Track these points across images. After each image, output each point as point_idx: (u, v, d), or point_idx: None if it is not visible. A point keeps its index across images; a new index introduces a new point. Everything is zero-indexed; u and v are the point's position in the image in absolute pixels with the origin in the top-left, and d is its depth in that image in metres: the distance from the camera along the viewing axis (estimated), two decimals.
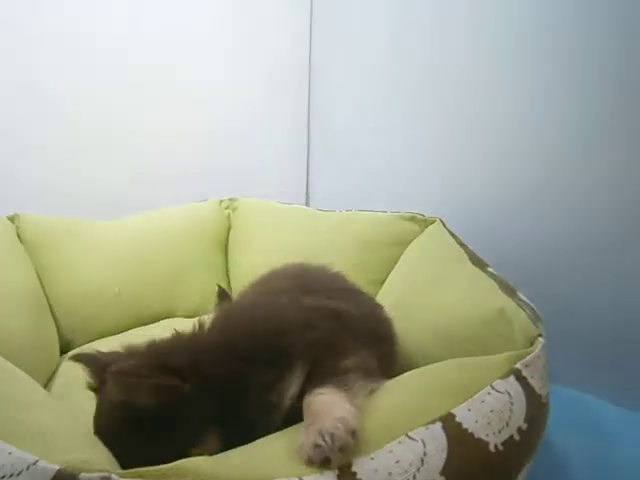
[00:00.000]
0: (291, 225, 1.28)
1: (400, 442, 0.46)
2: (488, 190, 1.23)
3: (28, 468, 0.37)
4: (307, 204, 1.76)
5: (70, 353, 0.65)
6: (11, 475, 0.37)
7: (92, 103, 1.42)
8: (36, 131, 1.35)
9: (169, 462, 0.45)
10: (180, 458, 0.47)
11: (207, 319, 0.66)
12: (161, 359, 0.55)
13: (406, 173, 1.44)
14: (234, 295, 1.30)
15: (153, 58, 1.50)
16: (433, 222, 1.10)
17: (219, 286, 0.87)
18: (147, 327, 1.17)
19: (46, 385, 0.93)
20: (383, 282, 1.07)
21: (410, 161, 1.44)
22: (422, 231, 1.10)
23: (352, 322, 0.66)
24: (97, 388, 0.61)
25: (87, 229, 1.19)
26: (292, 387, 0.55)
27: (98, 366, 0.60)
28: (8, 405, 0.48)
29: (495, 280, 0.81)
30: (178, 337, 0.62)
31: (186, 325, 1.17)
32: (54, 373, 0.97)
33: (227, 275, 1.35)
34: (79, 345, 1.09)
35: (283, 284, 0.74)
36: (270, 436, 0.50)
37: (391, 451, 0.45)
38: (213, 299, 1.27)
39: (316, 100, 1.78)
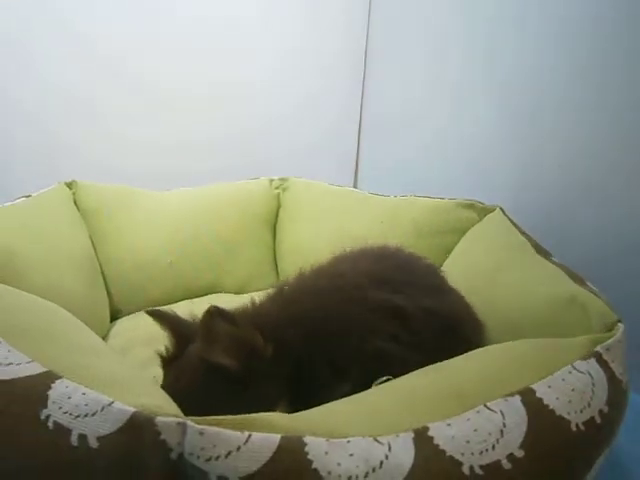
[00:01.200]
0: (342, 208, 1.28)
1: (478, 412, 0.45)
2: (553, 176, 1.19)
3: (103, 409, 0.37)
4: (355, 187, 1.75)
5: (146, 310, 0.66)
6: (85, 415, 0.37)
7: (155, 71, 1.47)
8: (92, 98, 1.41)
9: None
10: None
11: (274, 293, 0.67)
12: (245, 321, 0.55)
13: (462, 160, 1.42)
14: (281, 272, 1.31)
15: (207, 29, 1.53)
16: (493, 210, 1.07)
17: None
18: (194, 300, 1.19)
19: None
20: None
21: (467, 148, 1.41)
22: (480, 219, 1.08)
23: (418, 324, 0.62)
24: (170, 355, 0.62)
25: (142, 199, 1.22)
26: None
27: (178, 327, 0.62)
28: (77, 352, 0.49)
29: (562, 269, 0.79)
30: (249, 307, 0.63)
31: (232, 300, 1.20)
32: (105, 335, 1.00)
33: (274, 254, 1.35)
34: (127, 314, 1.12)
35: (364, 266, 0.69)
36: (344, 399, 0.50)
37: (469, 419, 0.44)
38: (258, 277, 1.30)
39: (371, 82, 1.77)
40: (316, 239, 1.26)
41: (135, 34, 1.44)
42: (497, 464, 0.41)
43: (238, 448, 0.36)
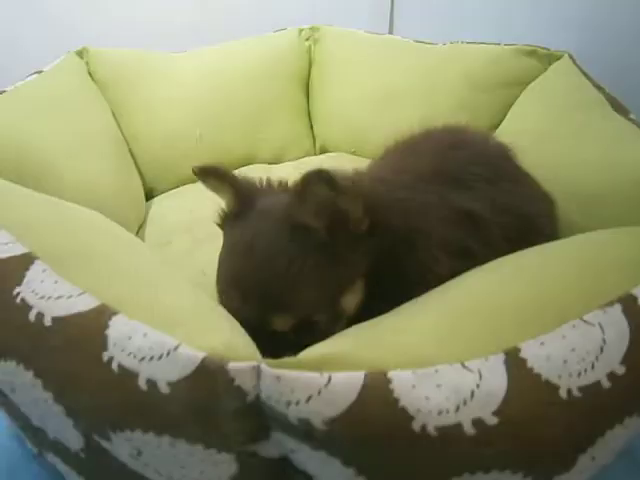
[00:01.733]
0: (382, 59, 1.14)
1: (574, 326, 0.40)
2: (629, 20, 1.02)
3: (169, 353, 0.34)
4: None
5: (196, 167, 0.60)
6: (151, 358, 0.35)
7: None
8: None
9: (317, 303, 0.51)
10: (328, 302, 0.52)
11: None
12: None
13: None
14: (317, 140, 1.23)
15: None
16: (560, 58, 0.94)
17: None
18: None
19: (138, 232, 0.93)
20: (496, 128, 0.96)
21: None
22: (545, 69, 0.95)
23: (491, 230, 0.58)
24: (233, 212, 0.58)
25: (162, 62, 1.11)
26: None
27: (239, 184, 0.57)
28: (129, 276, 0.45)
29: None
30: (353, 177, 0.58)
31: (269, 172, 1.15)
32: (144, 221, 0.97)
33: (308, 116, 1.26)
34: (161, 192, 1.08)
35: (427, 164, 0.62)
36: (416, 309, 0.46)
37: (564, 336, 0.40)
38: (294, 143, 1.22)
39: None
40: (355, 97, 1.16)
41: None
42: (596, 385, 0.38)
43: (319, 392, 0.33)
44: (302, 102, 1.24)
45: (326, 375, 0.34)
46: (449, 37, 1.12)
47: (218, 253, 0.58)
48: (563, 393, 0.37)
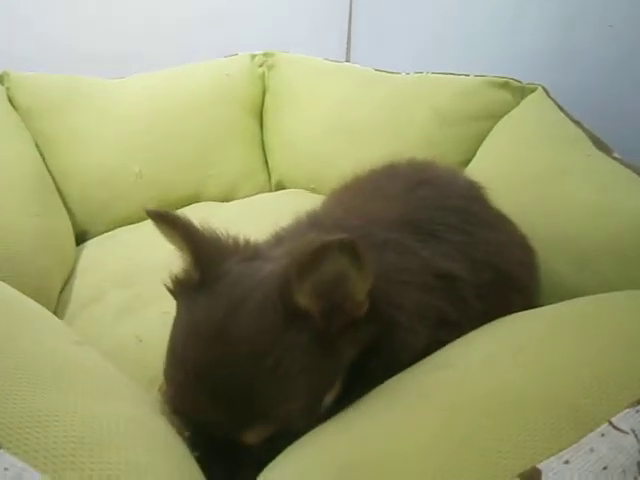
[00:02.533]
0: (344, 88, 1.07)
1: (603, 435, 0.32)
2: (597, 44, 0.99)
3: None
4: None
5: (148, 210, 0.46)
6: None
7: None
8: None
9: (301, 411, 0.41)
10: (312, 407, 0.42)
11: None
12: None
13: (481, 27, 1.18)
14: (272, 172, 1.13)
15: None
16: (533, 90, 0.89)
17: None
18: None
19: (65, 286, 0.80)
20: (466, 164, 0.89)
21: (489, 9, 1.17)
22: (517, 102, 0.90)
23: (466, 290, 0.51)
24: (193, 279, 0.46)
25: (94, 90, 1.00)
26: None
27: (200, 244, 0.45)
28: (31, 388, 0.33)
29: (631, 169, 0.64)
30: None
31: (219, 210, 1.05)
32: (74, 269, 0.84)
33: (262, 148, 1.16)
34: (96, 235, 0.96)
35: (393, 209, 0.55)
36: (398, 414, 0.37)
37: (592, 450, 0.31)
38: (247, 178, 1.12)
39: None
40: (314, 128, 1.08)
41: None
42: None
43: None
44: (255, 133, 1.15)
45: None
46: (409, 66, 1.06)
47: (160, 315, 0.47)
48: None
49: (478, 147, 0.90)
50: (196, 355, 0.41)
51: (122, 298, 0.74)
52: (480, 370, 0.39)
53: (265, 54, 1.16)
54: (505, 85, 0.91)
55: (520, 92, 0.90)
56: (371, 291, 0.43)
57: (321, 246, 0.38)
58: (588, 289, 0.53)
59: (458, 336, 0.47)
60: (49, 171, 0.92)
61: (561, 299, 0.48)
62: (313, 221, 0.55)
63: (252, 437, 0.40)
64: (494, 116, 0.90)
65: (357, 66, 1.11)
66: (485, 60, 1.11)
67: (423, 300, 0.48)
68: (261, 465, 0.40)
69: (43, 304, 0.57)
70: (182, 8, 1.32)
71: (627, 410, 0.33)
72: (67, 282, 0.82)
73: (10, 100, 0.92)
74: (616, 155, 0.70)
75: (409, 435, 0.34)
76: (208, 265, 0.45)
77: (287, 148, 1.12)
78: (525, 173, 0.72)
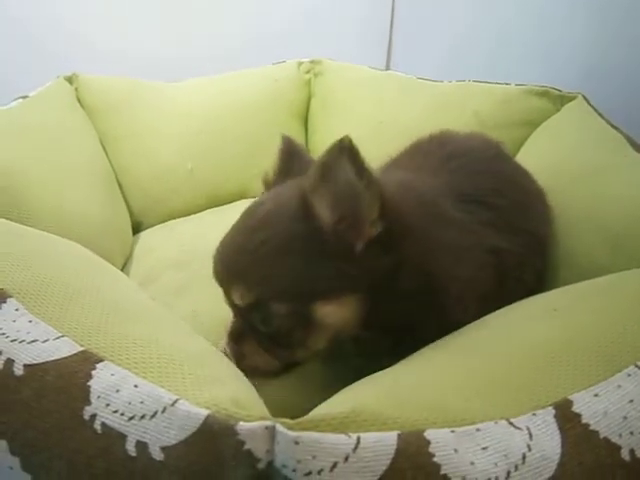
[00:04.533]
0: (387, 96, 1.13)
1: (629, 375, 0.36)
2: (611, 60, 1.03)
3: (164, 410, 0.29)
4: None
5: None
6: (142, 417, 0.29)
7: None
8: None
9: (280, 290, 0.48)
10: (295, 298, 0.48)
11: None
12: None
13: (521, 36, 1.23)
14: None
15: None
16: (573, 99, 0.93)
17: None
18: (221, 208, 1.10)
19: (123, 270, 0.88)
20: None
21: (528, 20, 1.22)
22: (557, 110, 0.94)
23: (508, 262, 0.56)
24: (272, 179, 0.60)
25: (155, 92, 1.09)
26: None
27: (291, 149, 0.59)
28: (115, 315, 0.40)
29: None
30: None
31: None
32: (130, 256, 0.92)
33: (307, 150, 1.23)
34: (149, 226, 1.04)
35: (437, 179, 0.60)
36: (441, 356, 0.42)
37: (620, 386, 0.36)
38: None
39: None
40: (356, 133, 1.12)
41: None
42: None
43: (346, 458, 0.28)
44: (301, 135, 1.21)
45: (354, 437, 0.29)
46: (446, 75, 1.11)
47: (214, 294, 0.54)
48: (625, 454, 0.33)
49: (517, 151, 0.94)
50: (227, 233, 0.53)
51: (176, 279, 0.81)
52: (517, 326, 0.44)
53: (312, 61, 1.23)
54: (545, 94, 0.95)
55: (560, 100, 0.94)
56: (427, 263, 0.49)
57: (328, 149, 0.44)
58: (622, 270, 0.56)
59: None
60: (111, 165, 1.00)
61: None
62: (397, 186, 0.56)
63: (238, 296, 0.50)
64: (534, 123, 0.94)
65: (399, 74, 1.17)
66: (525, 68, 1.15)
67: (474, 275, 0.52)
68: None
69: None
70: (235, 21, 1.41)
71: None
72: (124, 267, 0.89)
73: (78, 99, 1.01)
74: None
75: (452, 372, 0.38)
76: (278, 176, 0.59)
77: None
78: (563, 170, 0.76)
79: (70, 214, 0.72)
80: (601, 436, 0.33)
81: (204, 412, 0.29)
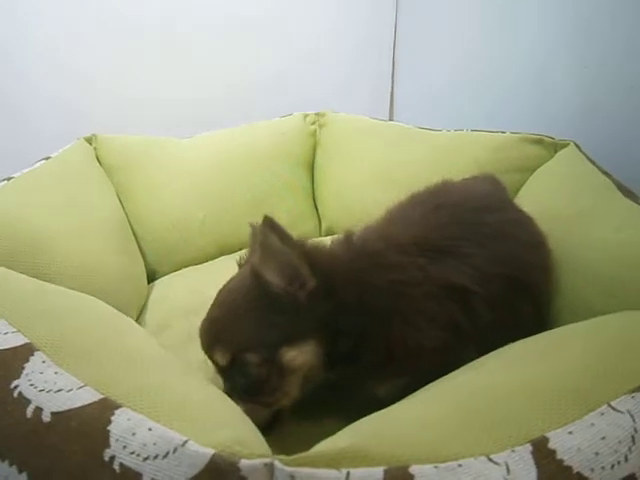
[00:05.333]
0: (389, 145, 1.19)
1: (602, 414, 0.39)
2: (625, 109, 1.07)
3: (175, 450, 0.33)
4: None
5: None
6: (155, 457, 0.33)
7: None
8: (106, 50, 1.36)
9: (251, 343, 0.57)
10: (264, 347, 0.57)
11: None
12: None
13: (514, 87, 1.29)
14: (322, 220, 1.26)
15: None
16: (565, 146, 0.98)
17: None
18: (232, 256, 1.14)
19: (138, 318, 0.92)
20: None
21: (520, 72, 1.28)
22: (551, 156, 0.99)
23: (476, 301, 0.60)
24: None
25: (167, 148, 1.16)
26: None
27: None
28: (131, 365, 0.44)
29: None
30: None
31: None
32: (145, 304, 0.97)
33: (313, 198, 1.29)
34: (163, 275, 1.09)
35: (408, 231, 0.66)
36: (430, 397, 0.45)
37: (593, 424, 0.39)
38: (298, 225, 1.24)
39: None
40: (360, 180, 1.19)
41: None
42: (631, 478, 0.36)
43: None
44: (307, 184, 1.27)
45: (344, 471, 0.32)
46: (448, 125, 1.17)
47: None
48: None
49: (514, 196, 0.98)
50: (206, 316, 0.64)
51: (187, 326, 0.85)
52: (502, 368, 0.47)
53: (317, 114, 1.31)
54: (539, 141, 1.01)
55: (553, 147, 0.99)
56: (362, 303, 0.57)
57: (259, 233, 0.55)
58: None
59: (471, 345, 0.56)
60: (127, 218, 1.06)
61: None
62: (342, 242, 0.66)
63: (219, 359, 0.59)
64: (529, 169, 0.99)
65: (401, 124, 1.23)
66: (519, 117, 1.21)
67: (428, 306, 0.58)
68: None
69: None
70: (243, 75, 1.51)
71: (624, 396, 0.40)
72: (140, 314, 0.94)
73: (97, 158, 1.08)
74: None
75: (437, 410, 0.42)
76: (249, 257, 0.69)
77: (335, 198, 1.24)
78: (554, 214, 0.80)
79: (89, 266, 0.77)
80: (574, 471, 0.36)
81: (210, 451, 0.33)
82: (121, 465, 0.34)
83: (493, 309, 0.59)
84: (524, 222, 0.72)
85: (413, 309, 0.57)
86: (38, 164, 0.93)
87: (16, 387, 0.39)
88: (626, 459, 0.37)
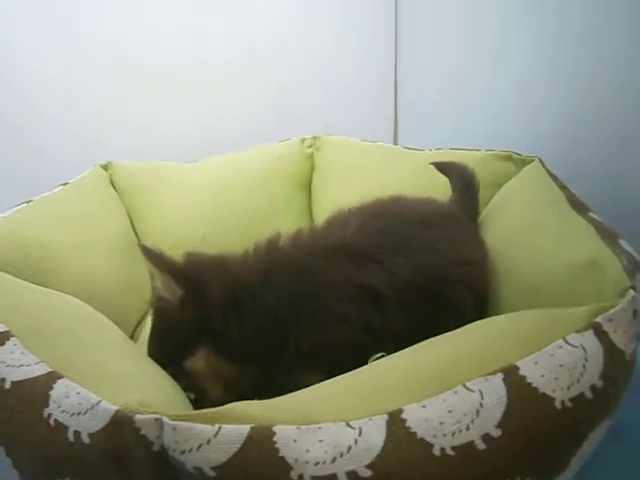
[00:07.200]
0: (376, 164, 1.28)
1: (456, 392, 0.47)
2: (586, 127, 1.13)
3: (92, 407, 0.43)
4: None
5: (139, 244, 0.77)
6: (79, 413, 0.43)
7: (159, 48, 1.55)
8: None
9: (175, 368, 0.63)
10: (174, 363, 0.63)
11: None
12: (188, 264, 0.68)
13: (506, 108, 1.36)
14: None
15: None
16: (531, 162, 1.04)
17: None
18: None
19: (138, 325, 1.05)
20: None
21: (514, 91, 1.35)
22: (519, 171, 1.05)
23: (389, 305, 0.64)
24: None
25: (174, 173, 1.29)
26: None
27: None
28: (88, 349, 0.55)
29: (594, 226, 0.76)
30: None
31: None
32: (145, 315, 1.09)
33: (311, 218, 1.39)
34: None
35: (338, 236, 0.71)
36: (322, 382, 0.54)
37: (445, 400, 0.46)
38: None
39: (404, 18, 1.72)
40: (352, 198, 1.27)
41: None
42: (470, 445, 0.44)
43: (208, 441, 0.41)
44: (304, 204, 1.38)
45: (217, 426, 0.42)
46: (449, 143, 1.25)
47: None
48: (437, 451, 0.43)
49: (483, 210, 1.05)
50: None
51: None
52: (392, 357, 0.55)
53: (314, 137, 1.42)
54: (508, 158, 1.07)
55: (521, 163, 1.05)
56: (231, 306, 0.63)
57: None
58: None
59: (387, 343, 0.61)
60: (137, 236, 1.20)
61: None
62: (271, 245, 0.71)
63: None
64: (499, 184, 1.05)
65: (389, 145, 1.33)
66: (509, 138, 1.27)
67: (340, 307, 0.63)
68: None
69: None
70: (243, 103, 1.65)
71: (479, 378, 0.48)
72: (142, 320, 1.06)
73: (112, 183, 1.23)
74: (591, 215, 0.80)
75: (319, 388, 0.51)
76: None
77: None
78: (510, 230, 0.86)
79: (93, 278, 0.89)
80: (418, 436, 0.43)
81: (114, 408, 0.43)
82: (55, 420, 0.44)
83: (408, 316, 0.64)
84: (461, 242, 0.75)
85: (323, 309, 0.63)
86: (56, 189, 1.07)
87: None
88: (467, 428, 0.44)
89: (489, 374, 0.48)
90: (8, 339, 0.53)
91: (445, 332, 0.62)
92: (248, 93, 1.64)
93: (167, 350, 0.65)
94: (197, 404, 0.68)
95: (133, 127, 1.56)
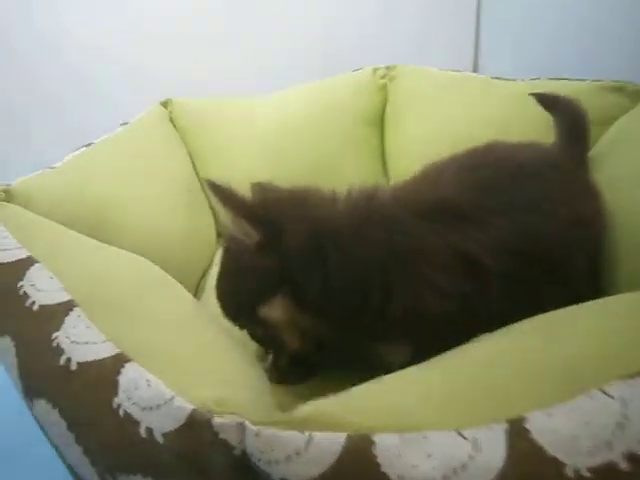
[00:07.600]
0: (460, 96, 1.14)
1: (591, 398, 0.39)
2: None
3: (165, 404, 0.38)
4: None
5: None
6: (150, 408, 0.38)
7: None
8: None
9: (247, 315, 0.61)
10: (255, 314, 0.60)
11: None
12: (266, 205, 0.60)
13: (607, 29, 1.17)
14: (391, 180, 1.25)
15: None
16: None
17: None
18: None
19: (206, 271, 1.00)
20: None
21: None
22: (634, 106, 0.90)
23: (489, 276, 0.56)
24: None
25: (240, 108, 1.21)
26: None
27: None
28: (158, 327, 0.50)
29: None
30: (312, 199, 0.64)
31: None
32: (210, 264, 1.04)
33: (382, 158, 1.28)
34: None
35: (434, 192, 0.63)
36: (418, 372, 0.46)
37: (578, 408, 0.38)
38: (368, 181, 1.23)
39: None
40: (431, 137, 1.16)
41: None
42: (611, 466, 0.36)
43: (297, 453, 0.35)
44: (376, 141, 1.26)
45: (307, 434, 0.36)
46: (538, 73, 1.10)
47: None
48: (570, 472, 0.36)
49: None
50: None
51: None
52: (495, 344, 0.47)
53: (387, 67, 1.28)
54: (621, 89, 0.91)
55: (637, 96, 0.90)
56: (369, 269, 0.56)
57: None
58: None
59: (482, 318, 0.52)
60: (198, 178, 1.14)
61: None
62: (366, 194, 0.64)
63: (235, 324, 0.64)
64: (609, 120, 0.90)
65: (474, 75, 1.18)
66: (609, 68, 1.10)
67: (435, 276, 0.55)
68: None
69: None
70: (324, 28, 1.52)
71: (619, 380, 0.39)
72: (206, 271, 1.02)
73: (172, 121, 1.16)
74: None
75: (417, 383, 0.43)
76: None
77: (406, 155, 1.22)
78: (618, 176, 0.74)
79: (153, 230, 0.85)
80: (547, 453, 0.36)
81: (190, 407, 0.37)
82: (125, 412, 0.40)
83: (509, 287, 0.56)
84: (572, 197, 0.65)
85: (416, 273, 0.55)
86: (119, 129, 1.02)
87: (55, 338, 0.47)
88: (608, 446, 0.37)
89: (630, 376, 0.39)
90: (72, 309, 0.49)
91: (555, 308, 0.53)
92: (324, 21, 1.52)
93: (240, 295, 0.61)
94: (275, 356, 0.66)
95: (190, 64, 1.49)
